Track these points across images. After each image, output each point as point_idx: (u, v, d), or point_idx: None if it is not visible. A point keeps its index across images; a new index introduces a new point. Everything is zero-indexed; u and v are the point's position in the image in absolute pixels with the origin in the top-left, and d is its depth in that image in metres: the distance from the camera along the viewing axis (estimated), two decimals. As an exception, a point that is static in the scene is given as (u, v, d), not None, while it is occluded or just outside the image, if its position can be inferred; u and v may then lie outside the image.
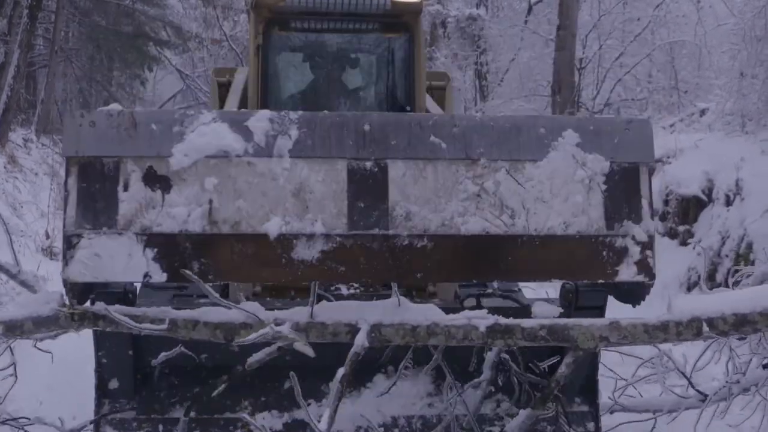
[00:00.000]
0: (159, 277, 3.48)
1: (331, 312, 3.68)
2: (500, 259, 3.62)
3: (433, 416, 4.59)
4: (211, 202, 3.49)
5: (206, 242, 3.49)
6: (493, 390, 4.57)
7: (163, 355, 3.88)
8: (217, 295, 3.49)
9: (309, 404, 4.26)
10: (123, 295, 4.02)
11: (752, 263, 8.34)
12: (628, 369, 5.65)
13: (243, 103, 5.88)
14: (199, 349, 4.26)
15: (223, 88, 6.45)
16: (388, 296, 3.74)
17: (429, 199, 3.58)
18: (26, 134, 17.30)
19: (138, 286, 4.30)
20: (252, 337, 3.46)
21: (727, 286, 8.22)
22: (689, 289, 9.59)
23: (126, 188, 3.47)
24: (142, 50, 23.38)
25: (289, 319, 3.59)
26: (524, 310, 4.33)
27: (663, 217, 10.72)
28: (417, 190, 3.57)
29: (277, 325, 3.53)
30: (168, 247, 3.47)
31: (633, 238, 3.66)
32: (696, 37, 18.48)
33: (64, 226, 3.46)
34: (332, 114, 3.67)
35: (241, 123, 3.55)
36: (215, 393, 4.03)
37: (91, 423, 4.47)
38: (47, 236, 11.90)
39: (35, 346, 3.93)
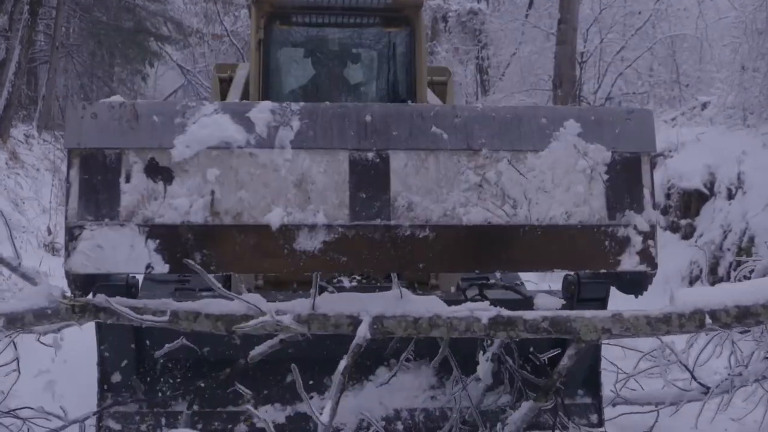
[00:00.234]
0: (161, 268, 3.49)
1: (333, 303, 3.68)
2: (502, 250, 3.62)
3: (435, 409, 4.58)
4: (213, 193, 3.50)
5: (208, 233, 3.49)
6: (492, 382, 4.56)
7: (166, 347, 3.89)
8: (220, 285, 3.49)
9: (311, 397, 4.25)
10: (125, 288, 4.03)
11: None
12: (630, 363, 5.66)
13: (244, 98, 5.89)
14: (201, 342, 4.26)
15: (225, 84, 6.45)
16: (390, 288, 3.74)
17: (431, 190, 3.58)
18: (28, 130, 17.33)
19: (140, 279, 4.30)
20: (252, 323, 3.46)
21: (729, 279, 8.24)
22: (691, 283, 9.56)
23: (128, 180, 3.48)
24: (143, 46, 23.43)
25: (290, 311, 3.59)
26: (526, 302, 4.32)
27: (665, 211, 10.69)
28: (419, 181, 3.58)
29: (278, 315, 3.53)
30: (170, 239, 3.47)
31: (635, 227, 3.66)
32: (697, 30, 18.40)
33: (66, 218, 3.47)
34: (334, 105, 3.66)
35: (242, 114, 3.56)
36: (231, 379, 4.00)
37: (94, 414, 4.47)
38: (49, 232, 11.89)
39: (38, 341, 3.92)
